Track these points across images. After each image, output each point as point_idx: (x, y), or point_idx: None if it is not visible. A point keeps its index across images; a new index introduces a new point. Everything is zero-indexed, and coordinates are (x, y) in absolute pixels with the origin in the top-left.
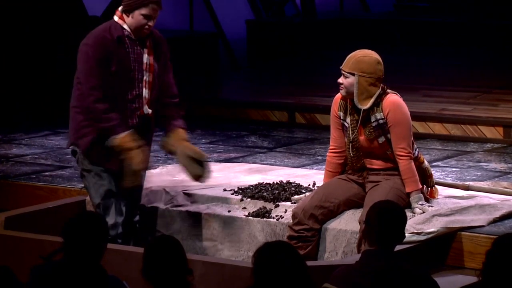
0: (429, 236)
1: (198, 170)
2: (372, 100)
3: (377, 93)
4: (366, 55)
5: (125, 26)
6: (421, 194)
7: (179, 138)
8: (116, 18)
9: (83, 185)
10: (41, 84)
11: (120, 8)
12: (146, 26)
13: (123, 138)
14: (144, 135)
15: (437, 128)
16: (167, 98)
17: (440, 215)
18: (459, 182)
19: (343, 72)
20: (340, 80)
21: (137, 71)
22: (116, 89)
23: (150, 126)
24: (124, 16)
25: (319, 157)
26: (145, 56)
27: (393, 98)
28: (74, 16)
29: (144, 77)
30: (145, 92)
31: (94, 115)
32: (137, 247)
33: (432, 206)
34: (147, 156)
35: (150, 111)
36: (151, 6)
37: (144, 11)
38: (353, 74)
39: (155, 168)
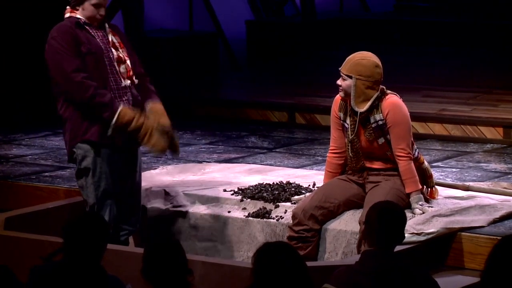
0: (429, 236)
1: (163, 142)
2: (369, 103)
3: (375, 96)
4: (364, 58)
5: (79, 16)
6: (421, 195)
7: (159, 110)
8: (67, 15)
9: (77, 184)
10: (41, 84)
11: (68, 6)
12: (98, 16)
13: (123, 110)
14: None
15: (437, 128)
16: (138, 78)
17: (440, 215)
18: (459, 183)
19: (342, 74)
20: (339, 82)
21: (106, 50)
22: (92, 70)
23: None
24: (75, 10)
25: (319, 158)
26: (110, 36)
27: (392, 99)
28: None
29: (115, 54)
30: (122, 68)
31: (86, 92)
32: (137, 248)
33: (432, 207)
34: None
35: (128, 82)
36: None
37: (94, 0)
38: (350, 77)
39: (155, 168)
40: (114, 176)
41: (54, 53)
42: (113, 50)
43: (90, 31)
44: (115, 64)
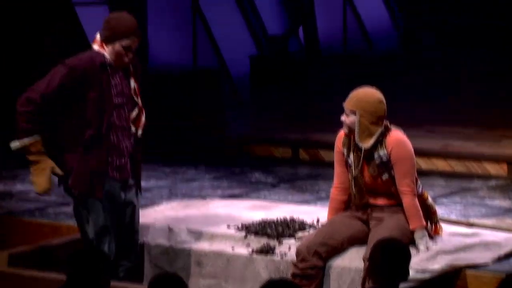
0: (434, 274)
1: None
2: (373, 139)
3: (379, 131)
4: (367, 94)
5: (106, 55)
6: (425, 231)
7: None
8: (96, 47)
9: (75, 219)
10: None
11: (98, 37)
12: (125, 59)
13: (30, 142)
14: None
15: (440, 164)
16: None
17: (445, 252)
18: (463, 219)
19: (345, 110)
20: (343, 117)
21: (118, 97)
22: (93, 114)
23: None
24: (104, 45)
25: (323, 194)
26: (132, 82)
27: (396, 135)
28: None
29: (131, 100)
30: (134, 114)
31: (21, 107)
32: (141, 285)
33: (436, 243)
34: (49, 175)
35: (134, 129)
36: (132, 38)
37: (125, 42)
38: (354, 113)
39: (159, 204)
40: (112, 212)
41: (52, 73)
42: (131, 95)
43: (111, 73)
44: (126, 108)
